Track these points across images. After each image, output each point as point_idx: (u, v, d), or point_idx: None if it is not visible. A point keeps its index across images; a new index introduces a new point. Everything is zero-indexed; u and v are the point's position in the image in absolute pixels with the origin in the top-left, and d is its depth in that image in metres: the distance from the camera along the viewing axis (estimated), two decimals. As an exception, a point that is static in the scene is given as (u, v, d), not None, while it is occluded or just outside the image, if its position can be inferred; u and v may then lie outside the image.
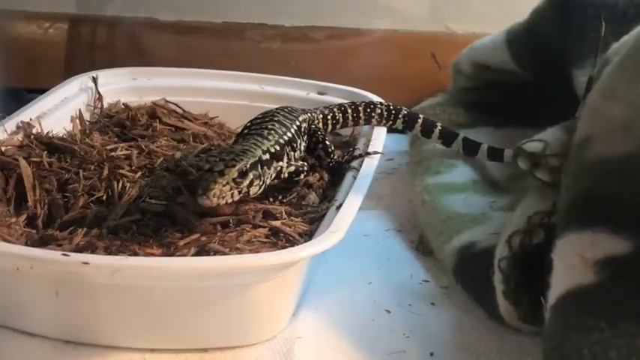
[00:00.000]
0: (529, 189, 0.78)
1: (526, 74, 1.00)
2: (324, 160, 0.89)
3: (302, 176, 0.84)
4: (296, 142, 0.86)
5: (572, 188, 0.67)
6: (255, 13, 1.27)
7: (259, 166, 0.77)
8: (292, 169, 0.83)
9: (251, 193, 0.76)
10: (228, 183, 0.73)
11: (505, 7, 1.13)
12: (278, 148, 0.82)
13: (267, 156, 0.80)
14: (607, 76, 0.67)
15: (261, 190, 0.78)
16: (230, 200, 0.73)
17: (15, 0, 1.25)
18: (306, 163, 0.86)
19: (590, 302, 0.60)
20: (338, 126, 0.96)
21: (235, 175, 0.73)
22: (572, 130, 0.70)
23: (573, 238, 0.63)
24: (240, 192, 0.74)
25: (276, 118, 0.86)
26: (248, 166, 0.75)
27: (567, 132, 0.75)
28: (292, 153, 0.85)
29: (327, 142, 0.90)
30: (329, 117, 0.95)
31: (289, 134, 0.85)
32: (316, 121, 0.93)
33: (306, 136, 0.90)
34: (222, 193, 0.72)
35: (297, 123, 0.88)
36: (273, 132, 0.83)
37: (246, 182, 0.75)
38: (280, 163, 0.82)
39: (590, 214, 0.64)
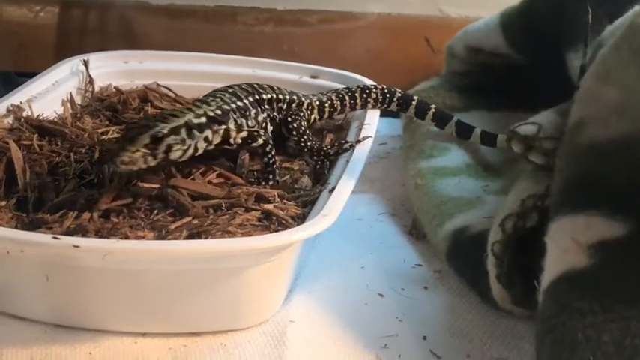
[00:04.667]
0: (522, 172, 0.77)
1: (520, 58, 1.00)
2: (308, 154, 0.89)
3: (260, 141, 0.83)
4: (248, 111, 0.86)
5: (565, 171, 0.67)
6: (249, -4, 1.26)
7: (184, 130, 0.77)
8: (244, 134, 0.83)
9: (172, 157, 0.77)
10: (138, 150, 0.74)
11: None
12: (219, 112, 0.82)
13: (203, 120, 0.80)
14: (601, 58, 0.67)
15: (188, 154, 0.78)
16: (144, 165, 0.74)
17: (5, -17, 1.25)
18: (262, 130, 0.85)
19: (584, 285, 0.60)
20: (335, 113, 0.96)
21: (147, 141, 0.74)
22: (566, 114, 0.70)
23: (567, 221, 0.63)
24: (155, 157, 0.75)
25: (230, 89, 0.87)
26: (165, 131, 0.75)
27: (561, 115, 0.75)
28: (243, 120, 0.85)
29: (303, 137, 0.89)
30: (326, 104, 0.94)
31: (239, 103, 0.85)
32: (309, 106, 0.92)
33: (274, 113, 0.90)
34: (131, 160, 0.73)
35: (257, 96, 0.88)
36: (218, 99, 0.84)
37: (162, 148, 0.75)
38: (223, 127, 0.82)
39: (584, 197, 0.64)
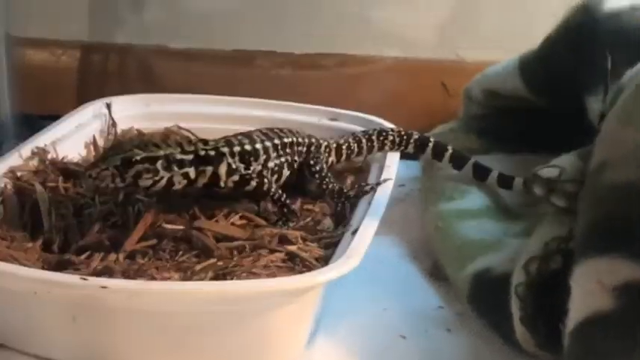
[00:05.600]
0: (545, 215, 0.77)
1: (539, 101, 1.01)
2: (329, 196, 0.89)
3: (253, 183, 0.84)
4: (254, 156, 0.86)
5: (588, 214, 0.67)
6: (265, 41, 1.27)
7: (161, 161, 0.79)
8: (236, 178, 0.84)
9: (141, 184, 0.78)
10: (108, 169, 0.76)
11: (516, 35, 1.14)
12: (212, 153, 0.83)
13: (189, 157, 0.81)
14: (622, 102, 0.68)
15: (160, 185, 0.79)
16: (112, 185, 0.77)
17: (28, 28, 1.26)
18: (252, 171, 0.85)
19: (610, 328, 0.60)
20: (352, 155, 0.97)
21: (117, 162, 0.76)
22: (587, 157, 0.70)
23: (591, 263, 0.63)
24: (123, 180, 0.77)
25: (247, 133, 0.88)
26: (138, 158, 0.77)
27: (582, 158, 0.75)
28: (241, 165, 0.84)
29: (325, 180, 0.90)
30: (343, 147, 0.95)
31: (247, 147, 0.85)
32: (327, 149, 0.94)
33: (294, 157, 0.90)
34: (99, 176, 0.76)
35: (278, 141, 0.89)
36: (222, 140, 0.85)
37: (131, 172, 0.77)
38: (210, 168, 0.82)
39: (607, 239, 0.64)
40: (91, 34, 1.29)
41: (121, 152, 0.77)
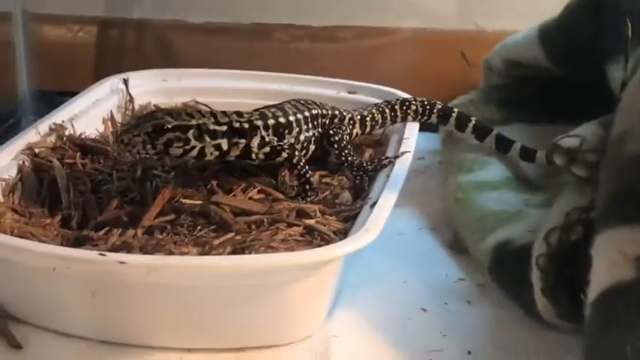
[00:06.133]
0: (566, 185, 0.77)
1: (559, 70, 1.00)
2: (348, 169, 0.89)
3: (284, 155, 0.83)
4: (288, 129, 0.86)
5: (610, 184, 0.66)
6: (283, 14, 1.27)
7: (193, 131, 0.78)
8: (267, 149, 0.83)
9: (172, 153, 0.78)
10: (139, 135, 0.76)
11: (535, 4, 1.12)
12: (246, 126, 0.82)
13: (223, 128, 0.80)
14: (643, 70, 0.67)
15: (191, 155, 0.79)
16: (143, 151, 0.77)
17: (44, 4, 1.26)
18: (283, 143, 0.85)
19: (632, 298, 0.59)
20: (377, 127, 0.96)
21: (149, 129, 0.76)
22: (609, 126, 0.70)
23: (613, 233, 0.62)
24: (154, 147, 0.77)
25: (279, 106, 0.88)
26: (169, 126, 0.77)
27: (603, 127, 0.74)
28: (274, 138, 0.84)
29: (344, 152, 0.89)
30: (367, 118, 0.94)
31: (281, 120, 0.85)
32: (351, 121, 0.93)
33: (318, 129, 0.90)
34: (130, 142, 0.76)
35: (307, 113, 0.88)
36: (257, 113, 0.85)
37: (162, 140, 0.77)
38: (243, 141, 0.82)
39: (630, 209, 0.63)
40: (107, 9, 1.29)
41: (152, 120, 0.77)
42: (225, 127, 0.81)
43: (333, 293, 0.76)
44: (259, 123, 0.83)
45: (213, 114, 0.82)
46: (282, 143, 0.84)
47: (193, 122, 0.79)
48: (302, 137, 0.87)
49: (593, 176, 0.72)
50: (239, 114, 0.83)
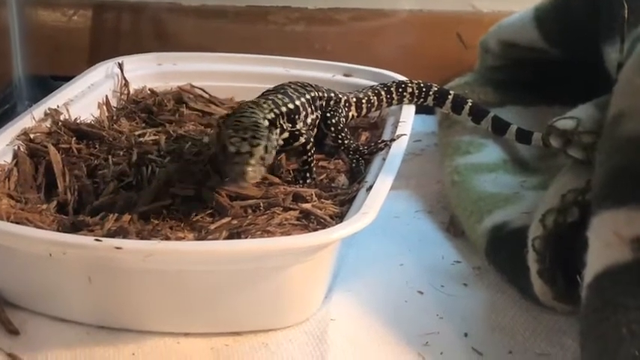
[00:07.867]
0: (561, 167, 0.77)
1: (555, 51, 0.99)
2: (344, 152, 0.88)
3: (302, 139, 0.83)
4: (299, 114, 0.86)
5: (606, 165, 0.66)
6: (279, -4, 1.27)
7: (268, 136, 0.77)
8: (286, 135, 0.83)
9: (267, 164, 0.76)
10: (257, 163, 0.73)
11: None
12: (272, 116, 0.82)
13: (268, 124, 0.80)
14: (639, 52, 0.67)
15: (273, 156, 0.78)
16: (260, 177, 0.74)
17: (38, -12, 1.26)
18: (305, 129, 0.85)
19: (628, 280, 0.59)
20: (373, 109, 0.96)
21: (262, 152, 0.73)
22: (605, 107, 0.69)
23: (608, 215, 0.62)
24: (264, 166, 0.74)
25: (282, 90, 0.87)
26: (267, 142, 0.75)
27: (599, 109, 0.74)
28: (289, 124, 0.84)
29: (341, 135, 0.89)
30: (363, 100, 0.94)
31: (290, 106, 0.85)
32: (346, 103, 0.93)
33: (317, 111, 0.89)
34: (255, 173, 0.72)
35: (309, 96, 0.88)
36: (270, 102, 0.84)
37: (269, 157, 0.75)
38: (277, 131, 0.82)
39: (625, 191, 0.63)
40: (102, -8, 1.29)
41: (245, 144, 0.73)
42: (267, 123, 0.80)
43: (330, 277, 0.76)
44: (277, 112, 0.83)
45: (253, 113, 0.80)
46: (298, 128, 0.84)
47: (266, 128, 0.77)
48: (309, 120, 0.88)
49: (589, 158, 0.72)
50: (257, 105, 0.82)
